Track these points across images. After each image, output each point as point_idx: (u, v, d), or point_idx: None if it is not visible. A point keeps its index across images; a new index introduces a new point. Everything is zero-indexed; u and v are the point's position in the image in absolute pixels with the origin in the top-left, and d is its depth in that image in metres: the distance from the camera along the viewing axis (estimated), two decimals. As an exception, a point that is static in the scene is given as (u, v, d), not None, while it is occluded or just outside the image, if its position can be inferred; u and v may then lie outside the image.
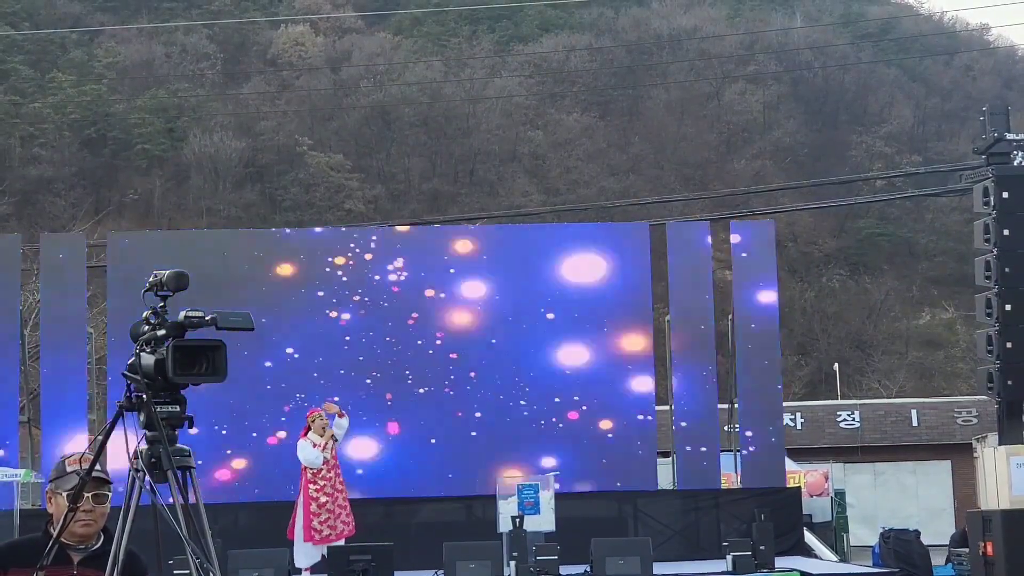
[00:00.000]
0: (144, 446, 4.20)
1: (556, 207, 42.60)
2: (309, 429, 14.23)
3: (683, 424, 17.88)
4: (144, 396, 4.20)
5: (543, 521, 15.14)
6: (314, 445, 14.05)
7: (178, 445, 4.24)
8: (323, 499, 14.01)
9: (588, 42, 57.62)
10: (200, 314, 4.20)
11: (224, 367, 4.23)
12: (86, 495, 4.40)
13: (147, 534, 4.26)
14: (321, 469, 13.97)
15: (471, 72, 54.74)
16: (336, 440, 14.27)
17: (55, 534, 4.35)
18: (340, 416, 14.24)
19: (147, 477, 4.14)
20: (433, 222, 33.29)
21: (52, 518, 4.50)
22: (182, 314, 4.22)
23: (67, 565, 4.41)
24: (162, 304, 4.28)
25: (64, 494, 4.42)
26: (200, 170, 48.93)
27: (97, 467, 4.46)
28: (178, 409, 4.26)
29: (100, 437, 4.31)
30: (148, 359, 4.22)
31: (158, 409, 4.20)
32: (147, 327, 4.27)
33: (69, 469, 4.50)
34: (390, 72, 54.46)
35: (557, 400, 17.77)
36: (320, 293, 17.92)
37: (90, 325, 18.22)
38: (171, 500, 4.14)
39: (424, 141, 52.62)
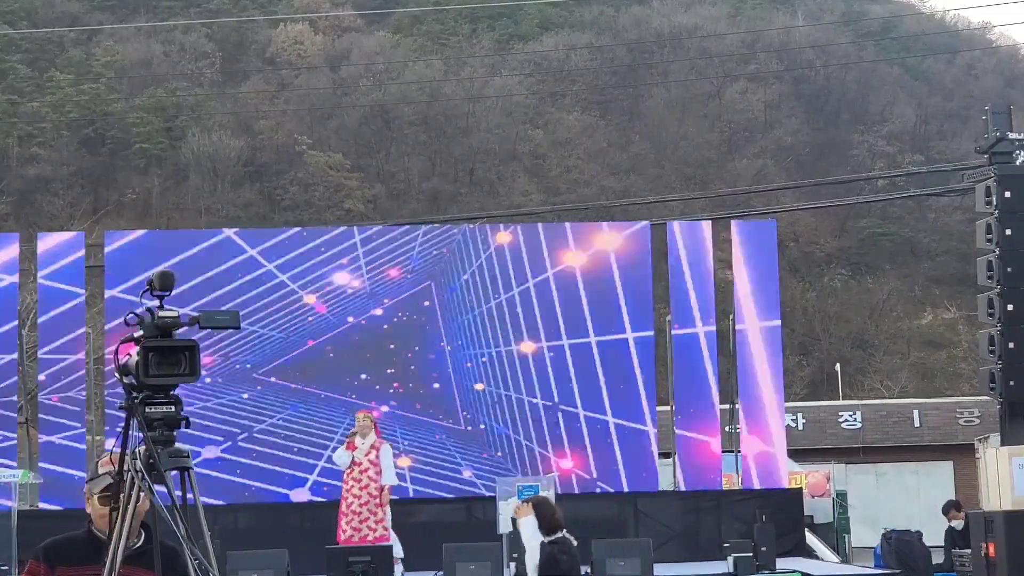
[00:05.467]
0: (143, 447, 4.17)
1: (556, 206, 42.52)
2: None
3: (683, 424, 17.81)
4: (136, 397, 4.19)
5: (543, 522, 15.05)
6: (348, 446, 14.19)
7: (176, 446, 4.19)
8: (350, 499, 14.15)
9: (588, 41, 57.53)
10: (174, 315, 4.17)
11: (197, 367, 4.19)
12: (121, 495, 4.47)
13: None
14: (353, 470, 14.08)
15: (471, 71, 54.67)
16: (375, 448, 14.22)
17: (112, 536, 4.36)
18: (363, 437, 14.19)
19: (145, 478, 4.10)
20: (433, 222, 33.19)
21: (91, 517, 4.63)
22: (157, 315, 4.17)
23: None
24: (159, 304, 4.24)
25: (96, 496, 4.54)
26: (199, 169, 48.87)
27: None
28: (173, 409, 4.21)
29: (119, 439, 4.32)
30: (133, 360, 4.18)
31: (153, 410, 4.17)
32: (129, 328, 4.24)
33: (101, 471, 4.59)
34: (389, 71, 54.39)
35: (558, 401, 17.70)
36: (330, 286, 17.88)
37: (88, 325, 18.12)
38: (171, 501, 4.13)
39: (424, 140, 52.57)
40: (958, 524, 16.25)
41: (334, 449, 15.30)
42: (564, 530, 8.03)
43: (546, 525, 7.85)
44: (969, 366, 40.21)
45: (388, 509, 14.35)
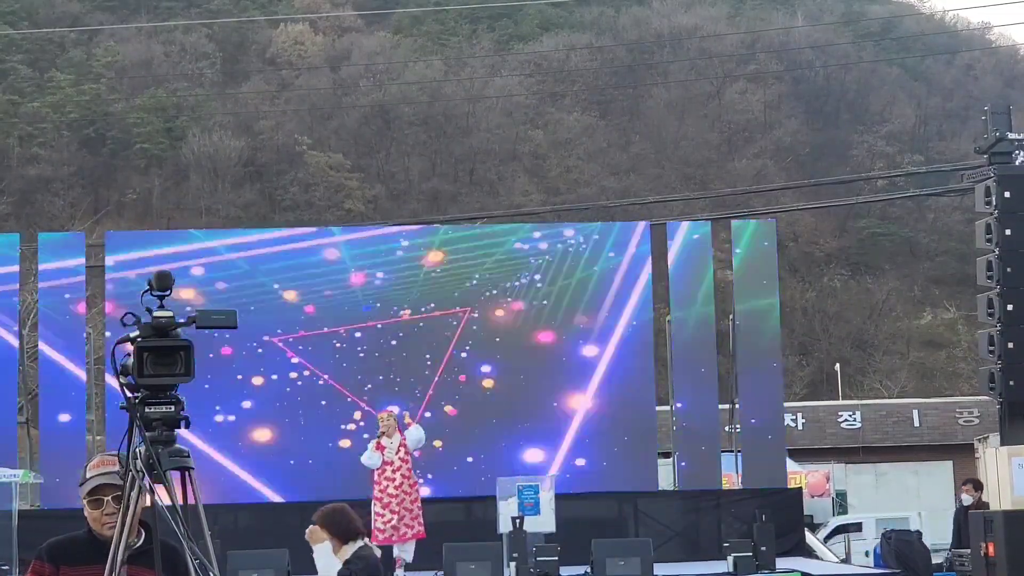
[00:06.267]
0: (143, 447, 4.14)
1: (556, 207, 42.54)
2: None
3: (683, 424, 17.82)
4: (136, 397, 4.17)
5: (543, 522, 15.07)
6: (377, 447, 14.16)
7: (176, 446, 4.17)
8: (386, 499, 14.10)
9: (588, 41, 57.56)
10: (169, 315, 4.15)
11: (191, 367, 4.17)
12: (105, 498, 4.53)
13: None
14: (385, 470, 14.06)
15: (471, 71, 54.69)
16: (406, 444, 14.24)
17: (116, 539, 4.35)
18: (408, 425, 14.33)
19: (146, 478, 4.09)
20: (433, 222, 33.22)
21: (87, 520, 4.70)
22: (153, 315, 4.17)
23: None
24: (160, 304, 4.23)
25: (84, 500, 4.60)
26: (199, 169, 48.89)
27: (109, 470, 4.54)
28: (172, 409, 4.20)
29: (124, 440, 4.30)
30: (129, 360, 4.19)
31: (152, 410, 4.15)
32: (126, 328, 4.24)
33: (89, 474, 4.62)
34: (390, 71, 54.42)
35: (558, 400, 17.73)
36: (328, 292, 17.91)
37: (88, 325, 18.13)
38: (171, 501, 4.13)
39: (424, 141, 52.60)
40: (967, 499, 16.18)
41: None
42: (364, 538, 7.08)
43: (340, 536, 6.87)
44: (969, 366, 40.22)
45: (421, 508, 14.38)
